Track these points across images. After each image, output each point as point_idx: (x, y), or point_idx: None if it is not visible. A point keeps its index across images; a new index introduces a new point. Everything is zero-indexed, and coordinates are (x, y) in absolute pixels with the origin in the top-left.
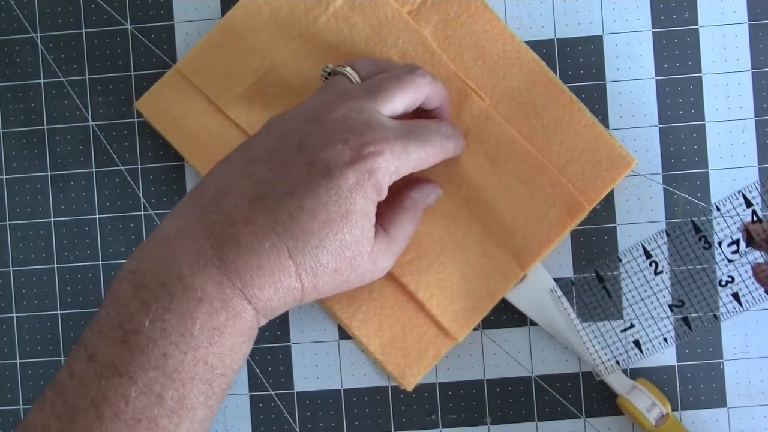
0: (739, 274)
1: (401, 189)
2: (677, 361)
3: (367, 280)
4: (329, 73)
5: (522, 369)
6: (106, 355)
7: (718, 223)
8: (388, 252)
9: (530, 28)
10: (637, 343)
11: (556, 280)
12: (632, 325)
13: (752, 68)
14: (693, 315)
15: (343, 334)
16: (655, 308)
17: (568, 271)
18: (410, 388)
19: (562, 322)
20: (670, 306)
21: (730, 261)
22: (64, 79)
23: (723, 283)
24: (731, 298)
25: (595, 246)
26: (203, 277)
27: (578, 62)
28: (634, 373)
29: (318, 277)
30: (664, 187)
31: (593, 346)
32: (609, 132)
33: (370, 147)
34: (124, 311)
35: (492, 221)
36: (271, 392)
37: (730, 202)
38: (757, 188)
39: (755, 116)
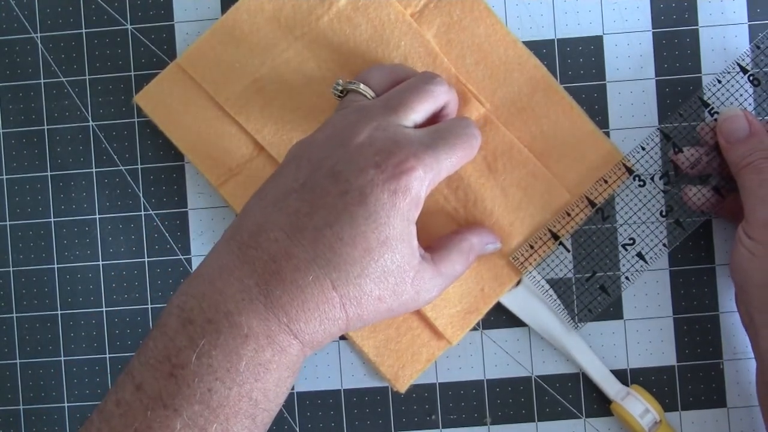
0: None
1: (462, 230)
2: (677, 361)
3: (411, 308)
4: (341, 91)
5: (522, 369)
6: (153, 387)
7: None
8: (433, 283)
9: (530, 28)
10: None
11: (555, 280)
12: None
13: (753, 69)
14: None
15: (343, 334)
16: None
17: (568, 271)
18: (403, 390)
19: (556, 326)
20: (661, 213)
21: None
22: (64, 79)
23: (664, 213)
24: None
25: (595, 246)
26: (249, 314)
27: (578, 62)
28: (634, 373)
29: (362, 306)
30: (664, 188)
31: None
32: (609, 140)
33: (402, 166)
34: (171, 345)
35: (488, 226)
36: None
37: (652, 139)
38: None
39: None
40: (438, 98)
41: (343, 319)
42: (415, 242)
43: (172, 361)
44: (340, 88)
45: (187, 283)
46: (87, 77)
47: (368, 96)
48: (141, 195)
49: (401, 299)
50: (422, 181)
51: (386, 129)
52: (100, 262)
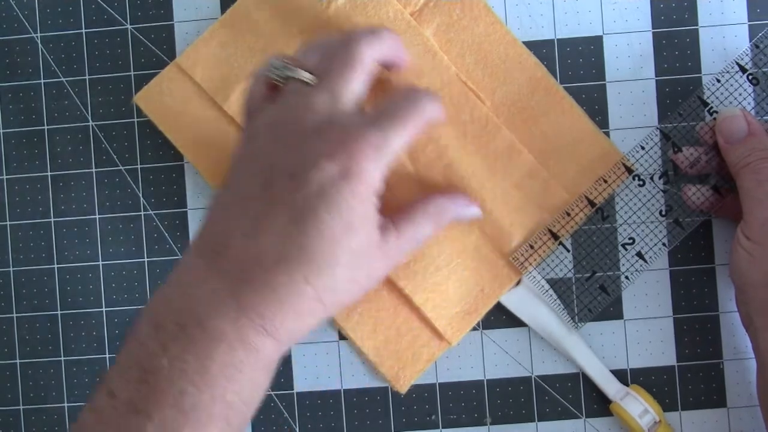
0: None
1: (430, 194)
2: (677, 361)
3: (382, 278)
4: (283, 78)
5: (522, 369)
6: (125, 393)
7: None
8: (398, 248)
9: (530, 29)
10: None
11: (555, 280)
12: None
13: (752, 69)
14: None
15: (343, 334)
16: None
17: (568, 271)
18: (403, 390)
19: (556, 326)
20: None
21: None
22: (64, 79)
23: (663, 212)
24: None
25: (595, 246)
26: (220, 317)
27: (578, 62)
28: (634, 373)
29: (337, 293)
30: (663, 188)
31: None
32: (609, 139)
33: (352, 151)
34: (143, 351)
35: (488, 226)
36: (271, 392)
37: (651, 139)
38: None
39: (755, 116)
40: (366, 59)
41: (321, 309)
42: (377, 219)
43: (144, 366)
44: (281, 75)
45: (158, 292)
46: (87, 77)
47: (310, 82)
48: (141, 195)
49: (374, 275)
50: (376, 164)
51: (331, 118)
52: (100, 262)
